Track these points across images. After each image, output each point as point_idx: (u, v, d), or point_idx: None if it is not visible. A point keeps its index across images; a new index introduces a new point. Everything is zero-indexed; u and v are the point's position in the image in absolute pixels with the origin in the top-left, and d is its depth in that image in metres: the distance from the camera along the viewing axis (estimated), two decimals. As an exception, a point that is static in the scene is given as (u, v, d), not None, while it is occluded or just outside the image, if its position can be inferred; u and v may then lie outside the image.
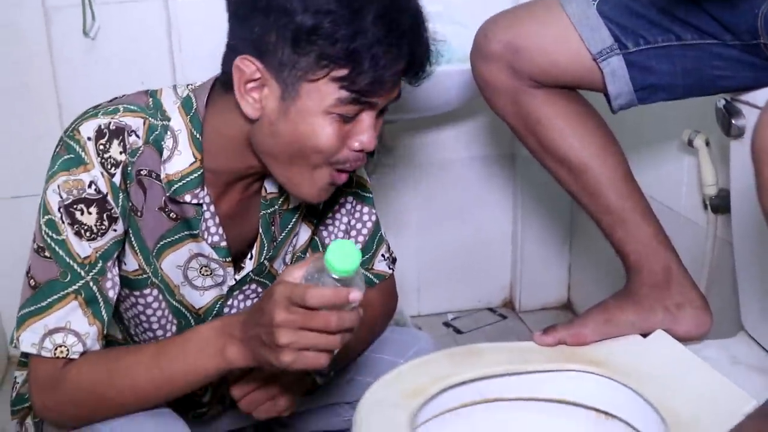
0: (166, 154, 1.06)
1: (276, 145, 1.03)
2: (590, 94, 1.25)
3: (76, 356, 1.01)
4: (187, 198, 1.08)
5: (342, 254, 0.90)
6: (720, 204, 1.54)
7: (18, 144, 1.92)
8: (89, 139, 1.02)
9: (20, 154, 1.91)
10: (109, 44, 1.89)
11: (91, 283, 1.02)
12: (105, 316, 1.04)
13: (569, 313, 2.35)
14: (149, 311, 1.15)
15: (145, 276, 1.11)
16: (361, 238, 1.28)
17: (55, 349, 1.00)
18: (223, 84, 1.07)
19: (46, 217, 1.02)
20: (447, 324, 2.32)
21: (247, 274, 1.17)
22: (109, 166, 1.02)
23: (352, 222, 1.27)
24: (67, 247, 1.01)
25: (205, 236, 1.11)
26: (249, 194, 1.16)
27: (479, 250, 2.31)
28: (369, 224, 1.28)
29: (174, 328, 1.17)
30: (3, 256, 1.90)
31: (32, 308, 1.01)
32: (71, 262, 1.01)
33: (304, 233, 1.25)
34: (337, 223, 1.28)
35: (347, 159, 1.04)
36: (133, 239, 1.08)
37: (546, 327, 1.20)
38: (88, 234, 1.02)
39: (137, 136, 1.05)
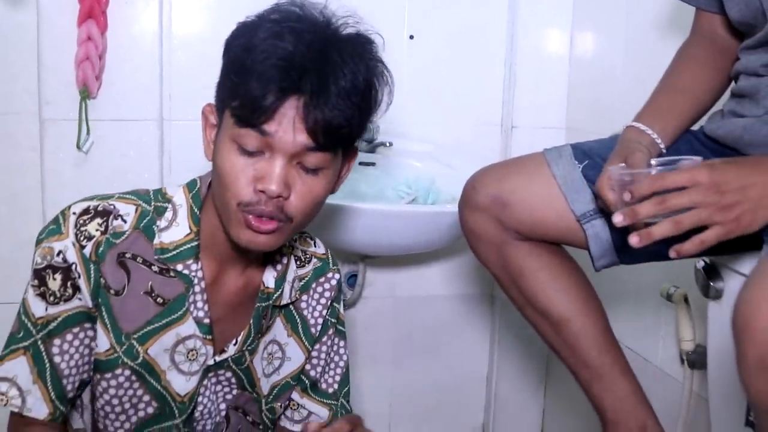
0: (164, 224, 1.10)
1: (214, 182, 1.06)
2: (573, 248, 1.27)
3: (15, 408, 1.05)
4: (179, 267, 1.10)
5: None
6: (696, 360, 1.55)
7: (-1, 251, 1.88)
8: (74, 213, 1.08)
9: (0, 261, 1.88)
10: (101, 160, 1.90)
11: (39, 342, 1.06)
12: (50, 380, 1.07)
13: (541, 460, 2.31)
14: (121, 392, 1.12)
15: (116, 356, 1.10)
16: (339, 371, 1.30)
17: None
18: None
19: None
20: (416, 463, 2.26)
21: (227, 358, 1.16)
22: (81, 238, 1.06)
23: (331, 354, 1.29)
24: (26, 306, 1.07)
25: (191, 309, 1.12)
26: (245, 288, 1.16)
27: (454, 389, 2.28)
28: (345, 357, 1.31)
29: (151, 411, 1.14)
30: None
31: None
32: (26, 321, 1.07)
33: (295, 349, 1.24)
34: (316, 353, 1.28)
35: (251, 201, 1.01)
36: (105, 316, 1.09)
37: None
38: (51, 298, 1.06)
39: (124, 220, 1.09)
